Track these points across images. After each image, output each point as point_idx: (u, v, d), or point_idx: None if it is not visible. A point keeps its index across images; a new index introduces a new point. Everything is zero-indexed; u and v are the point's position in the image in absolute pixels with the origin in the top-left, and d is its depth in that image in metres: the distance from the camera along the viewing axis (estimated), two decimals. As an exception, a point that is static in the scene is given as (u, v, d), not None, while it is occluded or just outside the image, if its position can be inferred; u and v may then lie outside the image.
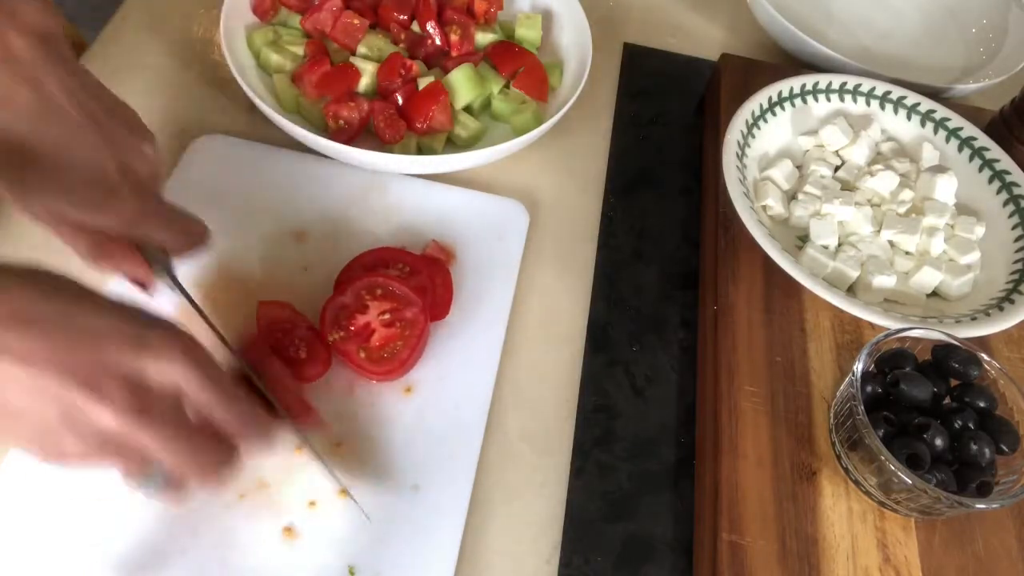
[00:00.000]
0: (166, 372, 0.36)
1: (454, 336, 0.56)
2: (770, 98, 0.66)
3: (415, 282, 0.55)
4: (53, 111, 0.40)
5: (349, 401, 0.52)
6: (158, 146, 0.45)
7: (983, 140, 0.67)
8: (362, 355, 0.52)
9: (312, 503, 0.48)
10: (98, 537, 0.45)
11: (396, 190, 0.63)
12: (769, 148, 0.67)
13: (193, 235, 0.47)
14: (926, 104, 0.69)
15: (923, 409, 0.49)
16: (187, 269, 0.54)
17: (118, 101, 0.44)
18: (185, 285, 0.49)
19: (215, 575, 0.45)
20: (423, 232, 0.61)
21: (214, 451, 0.39)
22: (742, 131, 0.63)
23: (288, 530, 0.47)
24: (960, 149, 0.67)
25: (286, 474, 0.48)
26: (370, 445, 0.50)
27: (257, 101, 0.59)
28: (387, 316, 0.53)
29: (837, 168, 0.66)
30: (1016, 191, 0.64)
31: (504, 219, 0.63)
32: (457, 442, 0.51)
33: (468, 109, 0.67)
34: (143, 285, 0.47)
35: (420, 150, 0.64)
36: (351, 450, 0.50)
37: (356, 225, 0.60)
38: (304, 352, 0.52)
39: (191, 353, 0.37)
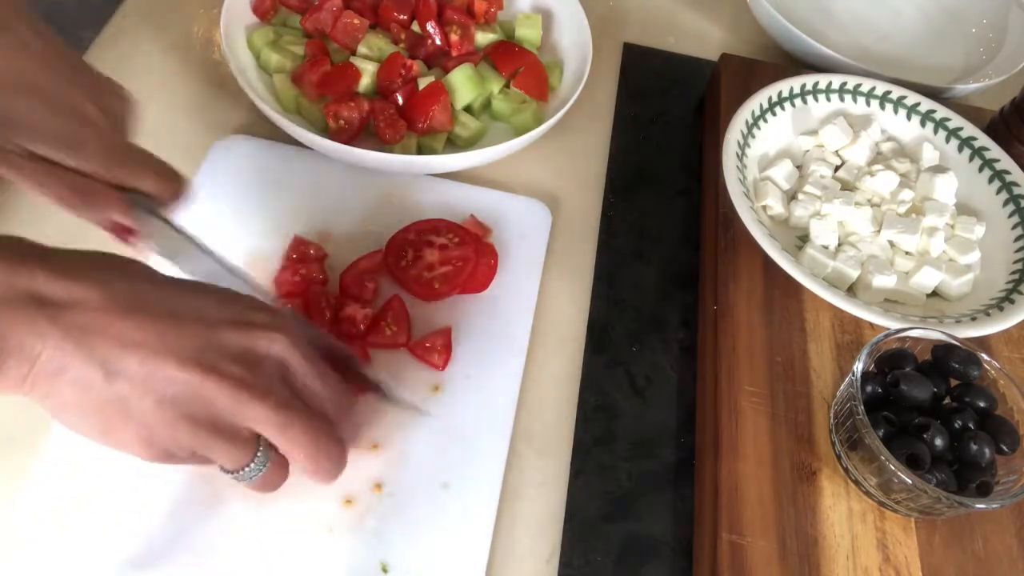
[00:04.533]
0: (273, 348, 0.36)
1: (481, 335, 0.56)
2: (770, 98, 0.66)
3: (462, 251, 0.58)
4: (23, 46, 0.40)
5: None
6: (129, 92, 0.45)
7: (983, 140, 0.67)
8: (425, 275, 0.56)
9: (348, 501, 0.48)
10: (131, 532, 0.46)
11: (419, 190, 0.63)
12: (769, 148, 0.67)
13: (175, 183, 0.46)
14: (926, 104, 0.69)
15: (923, 409, 0.49)
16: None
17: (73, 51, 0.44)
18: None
19: (251, 571, 0.45)
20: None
21: (330, 428, 0.39)
22: (742, 131, 0.63)
23: (323, 528, 0.47)
24: (960, 149, 0.67)
25: None
26: (403, 444, 0.51)
27: (257, 101, 0.59)
28: (443, 254, 0.57)
29: (837, 168, 0.66)
30: (1016, 191, 0.63)
31: (527, 219, 0.63)
32: (485, 441, 0.52)
33: (468, 109, 0.67)
34: (129, 233, 0.45)
35: (420, 150, 0.64)
36: (386, 449, 0.51)
37: (379, 225, 0.60)
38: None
39: (294, 330, 0.38)
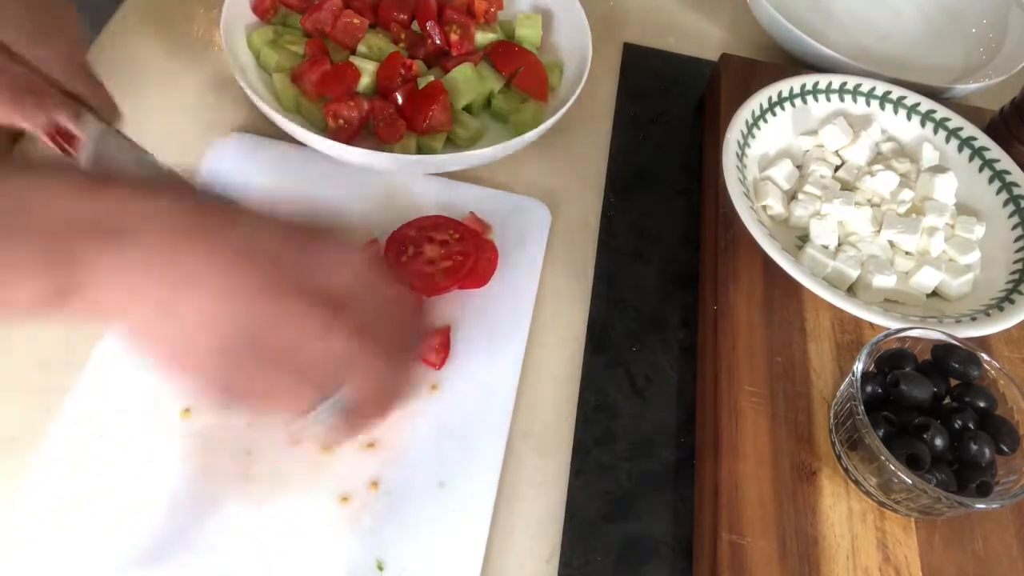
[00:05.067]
0: (341, 276, 0.35)
1: (480, 335, 0.56)
2: (770, 98, 0.66)
3: (462, 246, 0.58)
4: None
5: None
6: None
7: (983, 140, 0.66)
8: (425, 269, 0.57)
9: (344, 499, 0.48)
10: (130, 532, 0.46)
11: (419, 190, 0.63)
12: (769, 148, 0.67)
13: (111, 104, 0.46)
14: (926, 104, 0.69)
15: (923, 409, 0.49)
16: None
17: None
18: None
19: (249, 569, 0.45)
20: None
21: (399, 358, 0.37)
22: (742, 131, 0.63)
23: (320, 525, 0.47)
24: (960, 149, 0.67)
25: (317, 470, 0.49)
26: (399, 443, 0.51)
27: (257, 101, 0.59)
28: (444, 250, 0.58)
29: (837, 168, 0.66)
30: (1016, 191, 0.63)
31: (526, 218, 0.63)
32: (482, 440, 0.52)
33: (468, 108, 0.67)
34: (68, 141, 0.44)
35: (420, 149, 0.64)
36: (382, 448, 0.51)
37: (379, 224, 0.60)
38: None
39: (358, 259, 0.36)
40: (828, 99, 0.69)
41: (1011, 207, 0.63)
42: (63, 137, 0.44)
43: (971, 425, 0.48)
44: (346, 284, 0.36)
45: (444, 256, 0.58)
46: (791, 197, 0.64)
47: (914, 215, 0.63)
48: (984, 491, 0.47)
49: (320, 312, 0.34)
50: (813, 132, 0.68)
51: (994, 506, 0.45)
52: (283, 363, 0.34)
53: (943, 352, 0.52)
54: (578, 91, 0.66)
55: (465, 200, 0.63)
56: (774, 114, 0.66)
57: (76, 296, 0.31)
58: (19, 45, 0.42)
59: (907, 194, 0.63)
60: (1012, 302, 0.57)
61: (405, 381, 0.38)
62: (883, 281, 0.58)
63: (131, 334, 0.33)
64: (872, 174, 0.64)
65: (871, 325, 0.57)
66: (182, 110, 0.67)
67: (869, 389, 0.50)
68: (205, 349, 0.33)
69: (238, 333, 0.33)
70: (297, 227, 0.36)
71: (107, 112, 0.46)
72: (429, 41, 0.68)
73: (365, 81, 0.65)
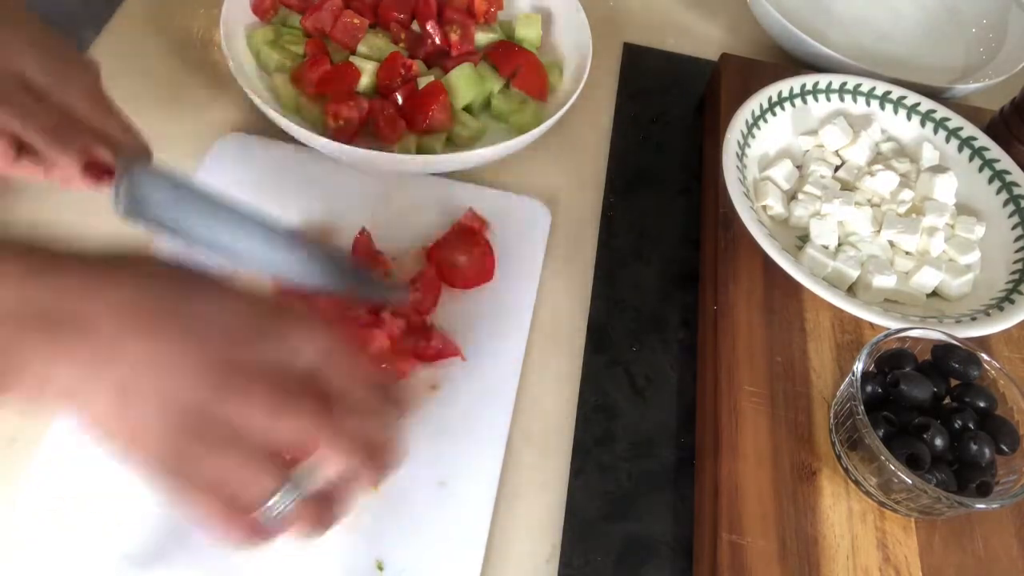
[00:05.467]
0: (302, 356, 0.34)
1: (480, 334, 0.56)
2: (770, 98, 0.66)
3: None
4: None
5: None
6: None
7: (983, 140, 0.67)
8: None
9: None
10: (130, 532, 0.46)
11: (419, 189, 0.63)
12: (769, 148, 0.67)
13: (142, 145, 0.45)
14: (926, 104, 0.69)
15: (923, 409, 0.49)
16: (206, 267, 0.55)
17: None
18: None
19: (248, 569, 0.45)
20: (447, 230, 0.61)
21: (377, 419, 0.36)
22: (742, 131, 0.63)
23: None
24: (960, 149, 0.67)
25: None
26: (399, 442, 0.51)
27: (257, 101, 0.59)
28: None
29: (837, 168, 0.66)
30: (1016, 191, 0.63)
31: (526, 218, 0.63)
32: (482, 440, 0.52)
33: (468, 108, 0.67)
34: (104, 173, 0.43)
35: (420, 149, 0.64)
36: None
37: (379, 224, 0.60)
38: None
39: (318, 335, 0.35)
40: (828, 99, 0.69)
41: (1011, 207, 0.63)
42: (97, 171, 0.44)
43: (971, 425, 0.48)
44: (308, 364, 0.34)
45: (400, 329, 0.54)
46: (791, 197, 0.64)
47: (914, 215, 0.63)
48: (984, 491, 0.47)
49: (270, 393, 0.33)
50: (813, 132, 0.68)
51: (994, 506, 0.45)
52: (234, 446, 0.32)
53: (943, 352, 0.52)
54: (578, 91, 0.66)
55: (465, 200, 0.63)
56: (774, 114, 0.66)
57: (25, 381, 0.31)
58: (48, 86, 0.41)
59: (907, 194, 0.63)
60: (1012, 302, 0.57)
61: (379, 463, 0.36)
62: (883, 281, 0.58)
63: (83, 419, 0.32)
64: (872, 174, 0.64)
65: (871, 325, 0.57)
66: (182, 110, 0.66)
67: (869, 389, 0.50)
68: (157, 432, 0.32)
69: (188, 415, 0.32)
70: (260, 303, 0.35)
71: (138, 153, 0.46)
72: (429, 41, 0.68)
73: (365, 81, 0.65)
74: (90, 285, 0.32)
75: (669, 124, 0.75)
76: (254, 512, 0.34)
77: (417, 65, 0.66)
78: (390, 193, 0.63)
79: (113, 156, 0.44)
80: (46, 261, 0.32)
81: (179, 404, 0.32)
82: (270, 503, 0.34)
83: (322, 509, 0.36)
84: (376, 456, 0.36)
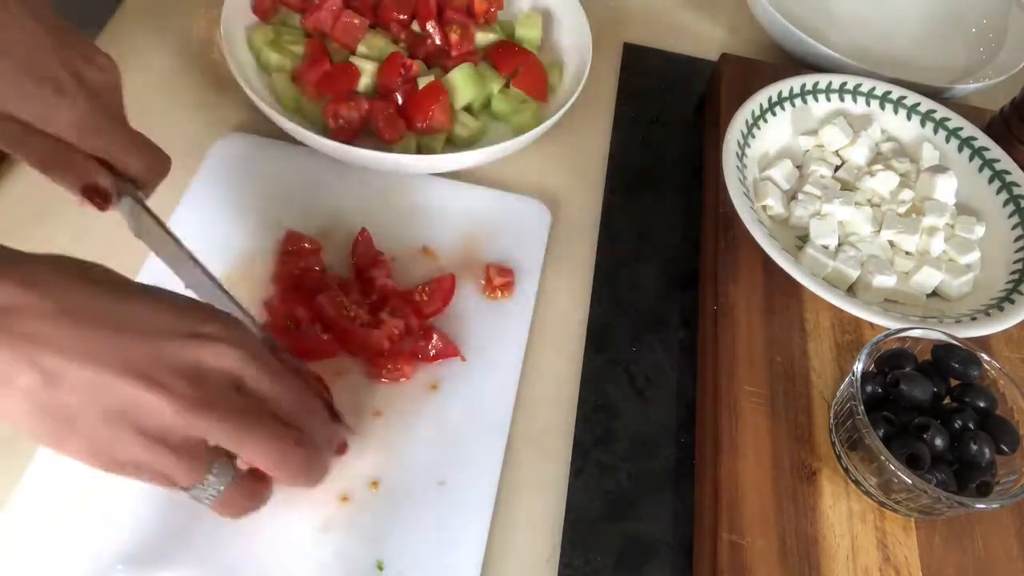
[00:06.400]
0: (225, 361, 0.35)
1: (479, 335, 0.56)
2: (770, 98, 0.66)
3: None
4: (3, 7, 0.40)
5: (376, 398, 0.52)
6: (115, 66, 0.45)
7: (983, 140, 0.67)
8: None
9: (344, 498, 0.48)
10: (130, 532, 0.46)
11: (419, 190, 0.63)
12: (769, 148, 0.67)
13: (156, 160, 0.45)
14: (926, 104, 0.69)
15: (923, 409, 0.49)
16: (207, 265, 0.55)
17: (73, 26, 0.43)
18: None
19: (245, 570, 0.45)
20: (447, 229, 0.61)
21: (290, 432, 0.37)
22: (742, 131, 0.63)
23: (319, 525, 0.47)
24: (960, 149, 0.67)
25: None
26: (398, 442, 0.51)
27: (257, 101, 0.59)
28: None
29: (837, 168, 0.66)
30: (1016, 191, 0.63)
31: (526, 218, 0.63)
32: (482, 440, 0.52)
33: (468, 108, 0.67)
34: (103, 197, 0.44)
35: (420, 149, 0.64)
36: (383, 446, 0.51)
37: (379, 224, 0.60)
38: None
39: (247, 340, 0.37)
40: (828, 99, 0.69)
41: (1011, 207, 0.63)
42: (96, 196, 0.44)
43: (971, 425, 0.48)
44: (231, 368, 0.36)
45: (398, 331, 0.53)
46: (791, 197, 0.64)
47: (914, 215, 0.63)
48: (984, 491, 0.47)
49: (192, 390, 0.34)
50: (813, 132, 0.68)
51: (994, 506, 0.45)
52: (161, 435, 0.34)
53: (943, 352, 0.52)
54: (578, 91, 0.66)
55: (465, 200, 0.63)
56: (774, 114, 0.66)
57: None
58: (27, 116, 0.41)
59: (907, 194, 0.63)
60: (1012, 302, 0.57)
61: (303, 446, 0.38)
62: (883, 281, 0.58)
63: (10, 409, 0.33)
64: (872, 174, 0.64)
65: (871, 325, 0.57)
66: (182, 110, 0.67)
67: (869, 389, 0.50)
68: (83, 420, 0.33)
69: (115, 405, 0.33)
70: (190, 306, 0.37)
71: (151, 167, 0.46)
72: (429, 41, 0.68)
73: (365, 81, 0.65)
74: (31, 275, 0.33)
75: (669, 124, 0.75)
76: (185, 494, 0.36)
77: (417, 65, 0.66)
78: (390, 193, 0.63)
79: (112, 178, 0.44)
80: None
81: (103, 395, 0.33)
82: (198, 488, 0.36)
83: (252, 491, 0.39)
84: (288, 464, 0.37)
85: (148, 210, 0.45)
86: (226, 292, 0.46)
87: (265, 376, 0.37)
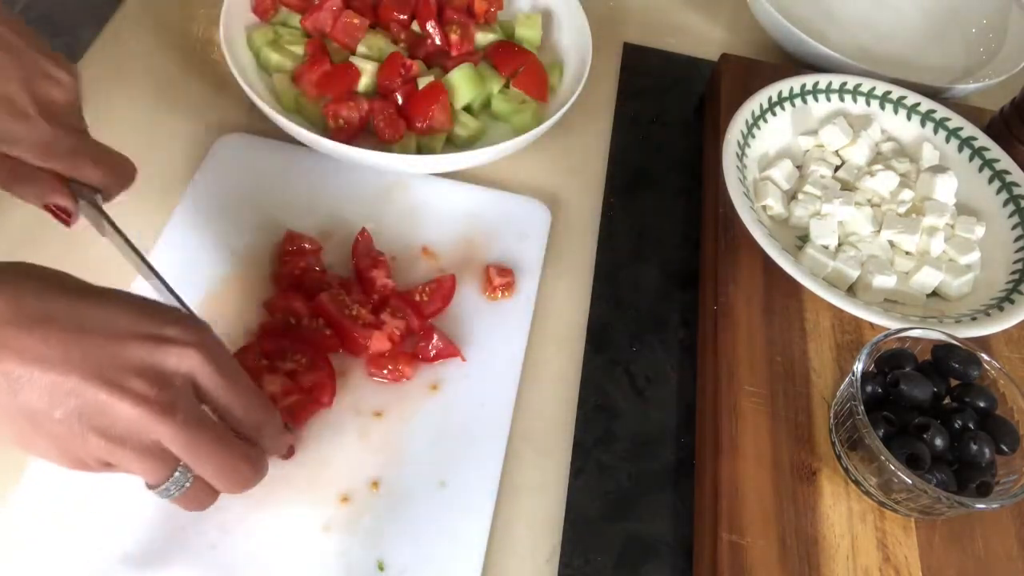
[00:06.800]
0: (183, 364, 0.36)
1: (479, 335, 0.56)
2: (770, 98, 0.66)
3: (313, 375, 0.52)
4: None
5: (377, 399, 0.52)
6: (79, 76, 0.44)
7: (983, 140, 0.67)
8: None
9: (345, 498, 0.48)
10: (131, 532, 0.46)
11: (419, 190, 0.63)
12: (769, 148, 0.67)
13: (119, 171, 0.46)
14: (926, 104, 0.69)
15: (923, 409, 0.49)
16: (206, 267, 0.55)
17: (33, 31, 0.43)
18: (196, 278, 0.48)
19: (249, 569, 0.45)
20: (447, 229, 0.61)
21: (238, 447, 0.38)
22: (742, 131, 0.63)
23: (320, 525, 0.47)
24: (960, 149, 0.67)
25: (320, 468, 0.49)
26: (398, 442, 0.51)
27: (257, 101, 0.59)
28: (290, 382, 0.51)
29: (837, 168, 0.66)
30: (1016, 191, 0.64)
31: (526, 218, 0.63)
32: (483, 440, 0.52)
33: (468, 109, 0.67)
34: (66, 214, 0.44)
35: (420, 149, 0.64)
36: (384, 447, 0.51)
37: (379, 224, 0.60)
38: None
39: (209, 345, 0.37)
40: (828, 99, 0.69)
41: (1011, 207, 0.63)
42: (60, 213, 0.44)
43: (971, 425, 0.48)
44: (191, 369, 0.36)
45: (287, 391, 0.50)
46: (791, 197, 0.64)
47: (914, 215, 0.63)
48: (984, 491, 0.47)
49: (150, 397, 0.34)
50: (813, 132, 0.68)
51: (994, 506, 0.45)
52: (122, 436, 0.35)
53: (943, 352, 0.52)
54: (578, 91, 0.66)
55: (465, 200, 0.63)
56: (774, 114, 0.66)
57: None
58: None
59: (907, 194, 0.63)
60: (1012, 302, 0.57)
61: (242, 458, 0.38)
62: (883, 281, 0.58)
63: None
64: (872, 174, 0.64)
65: (871, 325, 0.57)
66: (182, 110, 0.66)
67: (869, 389, 0.50)
68: (45, 422, 0.34)
69: (76, 407, 0.34)
70: (152, 308, 0.37)
71: (119, 180, 0.46)
72: (429, 41, 0.68)
73: (365, 81, 0.65)
74: None
75: (669, 124, 0.75)
76: (152, 491, 0.37)
77: (417, 65, 0.66)
78: (390, 193, 0.63)
79: (72, 197, 0.44)
80: None
81: (63, 397, 0.33)
82: (163, 487, 0.37)
83: (212, 488, 0.39)
84: (231, 480, 0.38)
85: (105, 215, 0.46)
86: (177, 296, 0.46)
87: (222, 381, 0.37)
